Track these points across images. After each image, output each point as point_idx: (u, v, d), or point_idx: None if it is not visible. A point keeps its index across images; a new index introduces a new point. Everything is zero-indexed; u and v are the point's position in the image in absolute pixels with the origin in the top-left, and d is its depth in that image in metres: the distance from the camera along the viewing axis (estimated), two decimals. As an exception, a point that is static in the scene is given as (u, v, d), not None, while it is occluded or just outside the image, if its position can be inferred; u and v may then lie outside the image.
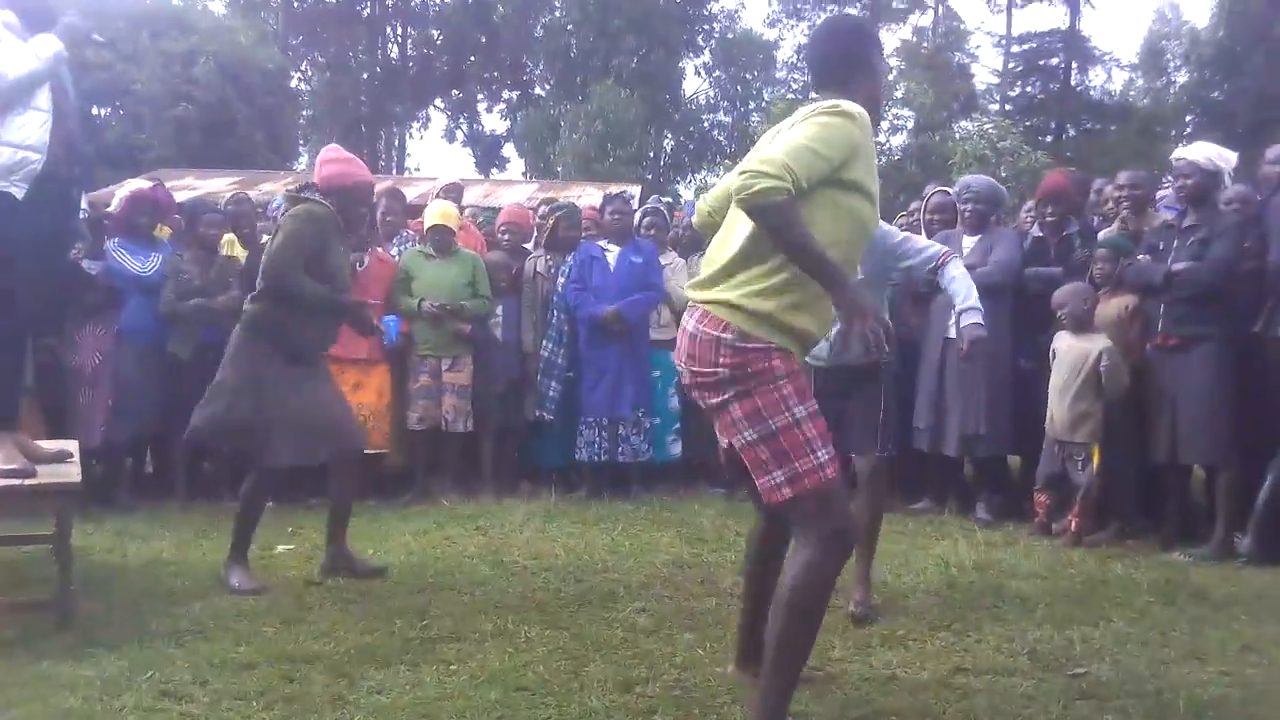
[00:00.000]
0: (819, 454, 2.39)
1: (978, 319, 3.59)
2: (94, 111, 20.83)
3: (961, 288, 3.58)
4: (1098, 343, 4.86)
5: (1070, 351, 4.94)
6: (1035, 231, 5.65)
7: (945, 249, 3.64)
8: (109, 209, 6.11)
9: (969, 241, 5.55)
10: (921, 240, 3.74)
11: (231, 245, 6.15)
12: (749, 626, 2.90)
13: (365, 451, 5.75)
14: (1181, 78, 27.74)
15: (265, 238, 6.17)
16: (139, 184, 6.27)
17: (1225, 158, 4.85)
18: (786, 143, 2.36)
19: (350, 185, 4.06)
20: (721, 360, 2.42)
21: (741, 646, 2.93)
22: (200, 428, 3.96)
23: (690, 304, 2.56)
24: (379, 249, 6.04)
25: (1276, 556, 4.39)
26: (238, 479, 5.84)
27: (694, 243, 6.44)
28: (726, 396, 2.43)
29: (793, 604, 2.35)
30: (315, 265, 3.90)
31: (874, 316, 2.41)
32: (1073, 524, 4.82)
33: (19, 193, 3.35)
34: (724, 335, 2.42)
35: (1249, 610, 3.65)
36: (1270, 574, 4.23)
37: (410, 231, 6.56)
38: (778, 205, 2.29)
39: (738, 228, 2.49)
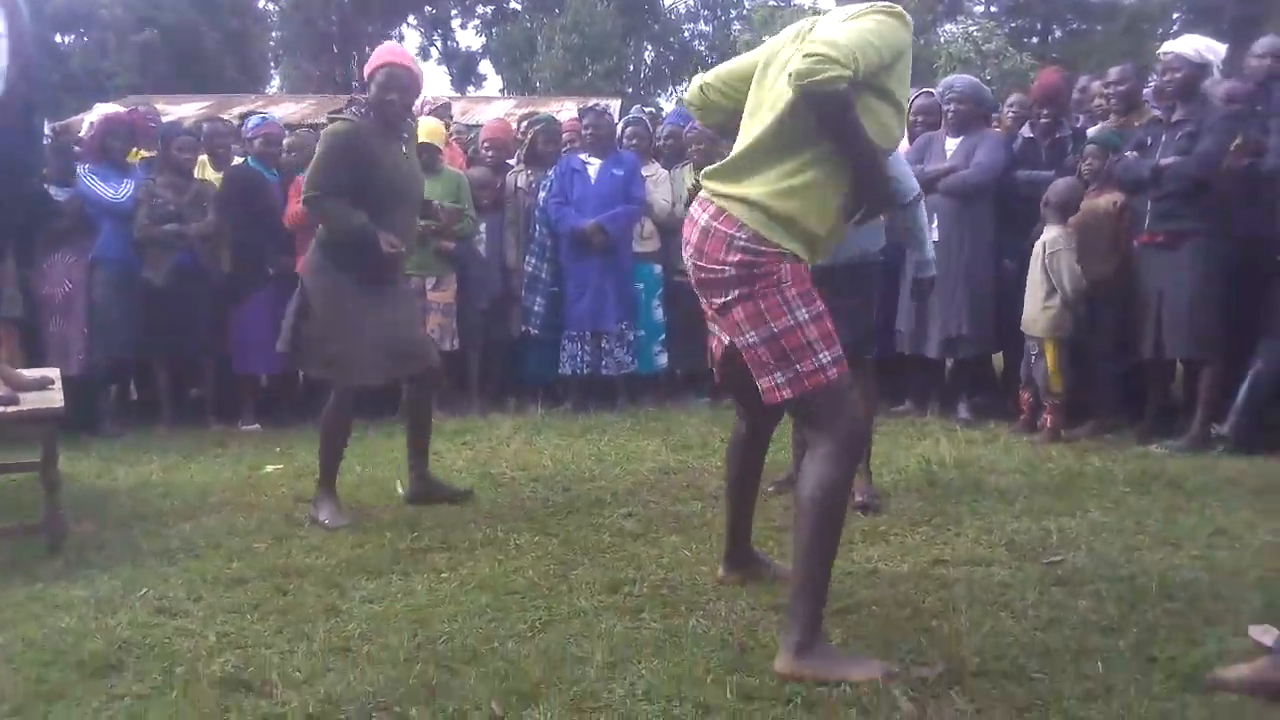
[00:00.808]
0: (821, 355, 2.38)
1: (931, 272, 4.08)
2: (57, 39, 20.28)
3: (920, 239, 3.97)
4: (1049, 235, 4.87)
5: (1036, 245, 4.96)
6: (1026, 132, 5.59)
7: (918, 191, 3.88)
8: (80, 135, 6.00)
9: (952, 143, 5.51)
10: (905, 164, 3.87)
11: (204, 168, 6.04)
12: (734, 530, 2.95)
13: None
14: (1168, -27, 27.18)
15: (237, 160, 6.10)
16: (110, 108, 6.14)
17: (1214, 50, 4.78)
18: (850, 32, 2.26)
19: (372, 73, 3.73)
20: (731, 257, 2.39)
21: (728, 550, 2.97)
22: (288, 351, 3.83)
23: (703, 196, 2.51)
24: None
25: (1255, 445, 4.47)
26: (224, 403, 5.90)
27: (677, 153, 6.37)
28: (730, 297, 2.41)
29: (815, 505, 2.35)
30: (366, 178, 3.65)
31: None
32: (1048, 420, 4.89)
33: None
34: (738, 235, 2.39)
35: (1221, 497, 3.73)
36: (1244, 462, 4.31)
37: None
38: (840, 93, 2.23)
39: (763, 115, 2.43)
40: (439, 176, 5.87)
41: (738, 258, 2.39)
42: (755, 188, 2.39)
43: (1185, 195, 4.64)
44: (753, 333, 2.40)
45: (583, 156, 6.08)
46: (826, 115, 2.29)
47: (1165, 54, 4.85)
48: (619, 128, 6.41)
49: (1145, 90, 5.64)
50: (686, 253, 2.54)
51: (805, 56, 2.22)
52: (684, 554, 3.23)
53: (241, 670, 2.39)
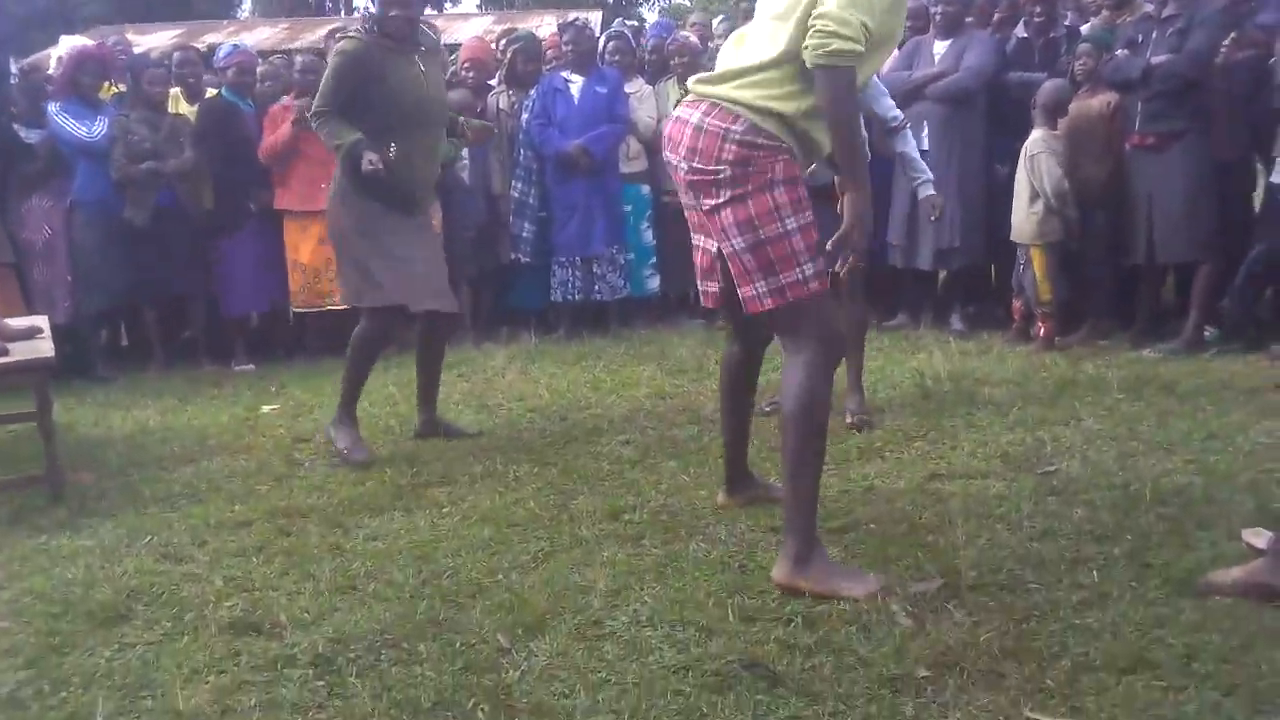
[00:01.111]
0: (805, 267, 2.38)
1: (931, 190, 3.94)
2: (17, -31, 19.61)
3: (912, 163, 3.88)
4: (1031, 137, 4.81)
5: (1024, 151, 4.90)
6: (1020, 32, 5.46)
7: (901, 117, 3.81)
8: (49, 72, 5.85)
9: (940, 46, 5.39)
10: (882, 89, 3.79)
11: (177, 101, 5.91)
12: (732, 453, 2.96)
13: (339, 307, 5.76)
14: None
15: (210, 91, 5.96)
16: (78, 41, 5.97)
17: None
18: None
19: None
20: (726, 154, 2.36)
21: (728, 474, 2.98)
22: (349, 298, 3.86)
23: (693, 98, 2.47)
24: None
25: (1245, 333, 4.52)
26: (216, 344, 5.88)
27: (661, 68, 6.24)
28: (720, 200, 2.39)
29: (796, 416, 2.37)
30: (374, 96, 3.55)
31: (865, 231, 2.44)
32: (1041, 329, 4.89)
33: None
34: (733, 128, 2.36)
35: (1215, 400, 3.75)
36: (1237, 364, 4.33)
37: None
38: (848, 70, 2.27)
39: (764, 39, 2.40)
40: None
41: (733, 152, 2.36)
42: (750, 91, 2.37)
43: (1176, 95, 4.56)
44: (740, 239, 2.39)
45: (564, 75, 5.96)
46: (831, 89, 2.29)
47: (1153, -56, 4.72)
48: (600, 43, 6.26)
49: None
50: (676, 155, 2.47)
51: (815, 33, 2.24)
52: (682, 479, 3.25)
53: (250, 613, 2.43)
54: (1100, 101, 4.87)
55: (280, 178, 5.65)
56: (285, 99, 5.68)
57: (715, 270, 2.60)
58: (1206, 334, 4.67)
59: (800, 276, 2.38)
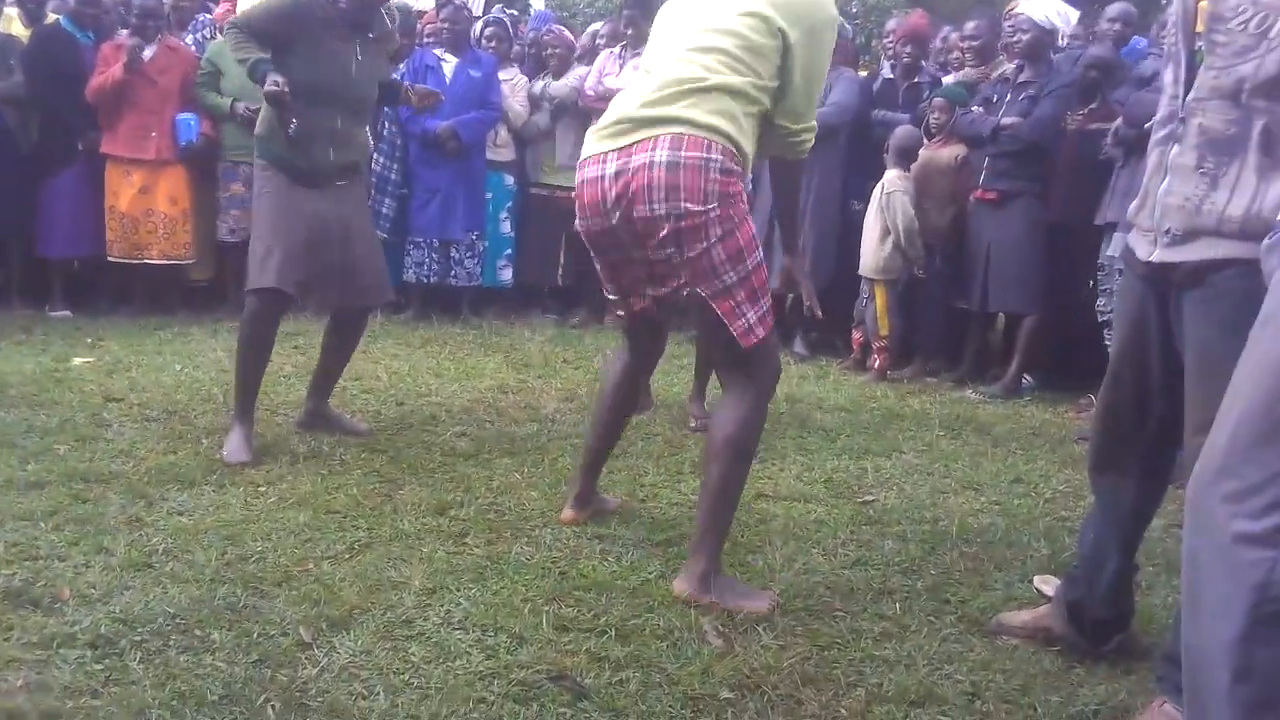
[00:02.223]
0: (766, 299, 2.40)
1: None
2: None
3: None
4: (887, 176, 5.02)
5: (879, 189, 5.10)
6: (886, 73, 5.66)
7: None
8: None
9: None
10: None
11: (10, 22, 5.45)
12: (593, 468, 2.87)
13: (168, 263, 5.45)
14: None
15: (53, 16, 5.53)
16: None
17: (1065, 16, 4.93)
18: (813, 82, 2.43)
19: None
20: (711, 186, 2.25)
21: (583, 489, 2.85)
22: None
23: (637, 139, 2.31)
24: (170, 37, 5.50)
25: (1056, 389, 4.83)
26: (31, 285, 5.45)
27: (538, 61, 6.18)
28: (711, 240, 2.28)
29: (737, 446, 2.38)
30: (290, 52, 3.26)
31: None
32: (875, 362, 5.09)
33: None
34: (712, 156, 2.26)
35: (1024, 445, 3.99)
36: (1048, 412, 4.61)
37: (206, 18, 5.99)
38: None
39: (686, 65, 2.35)
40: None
41: (718, 183, 2.27)
42: (706, 109, 2.29)
43: (1019, 156, 4.83)
44: (731, 273, 2.32)
45: (437, 53, 5.82)
46: (796, 177, 2.65)
47: (1016, 13, 4.98)
48: (478, 27, 6.14)
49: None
50: (648, 204, 2.29)
51: (805, 139, 2.47)
52: (514, 477, 3.22)
53: (30, 584, 2.26)
54: (949, 153, 5.11)
55: (107, 120, 5.29)
56: (119, 35, 5.33)
57: (649, 315, 2.59)
58: (1024, 382, 4.96)
59: (768, 305, 2.41)
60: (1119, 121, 4.30)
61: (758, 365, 2.41)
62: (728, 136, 2.30)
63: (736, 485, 2.44)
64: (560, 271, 6.14)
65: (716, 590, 2.37)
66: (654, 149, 2.28)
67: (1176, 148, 1.81)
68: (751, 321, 2.36)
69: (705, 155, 2.27)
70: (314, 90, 3.29)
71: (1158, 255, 1.85)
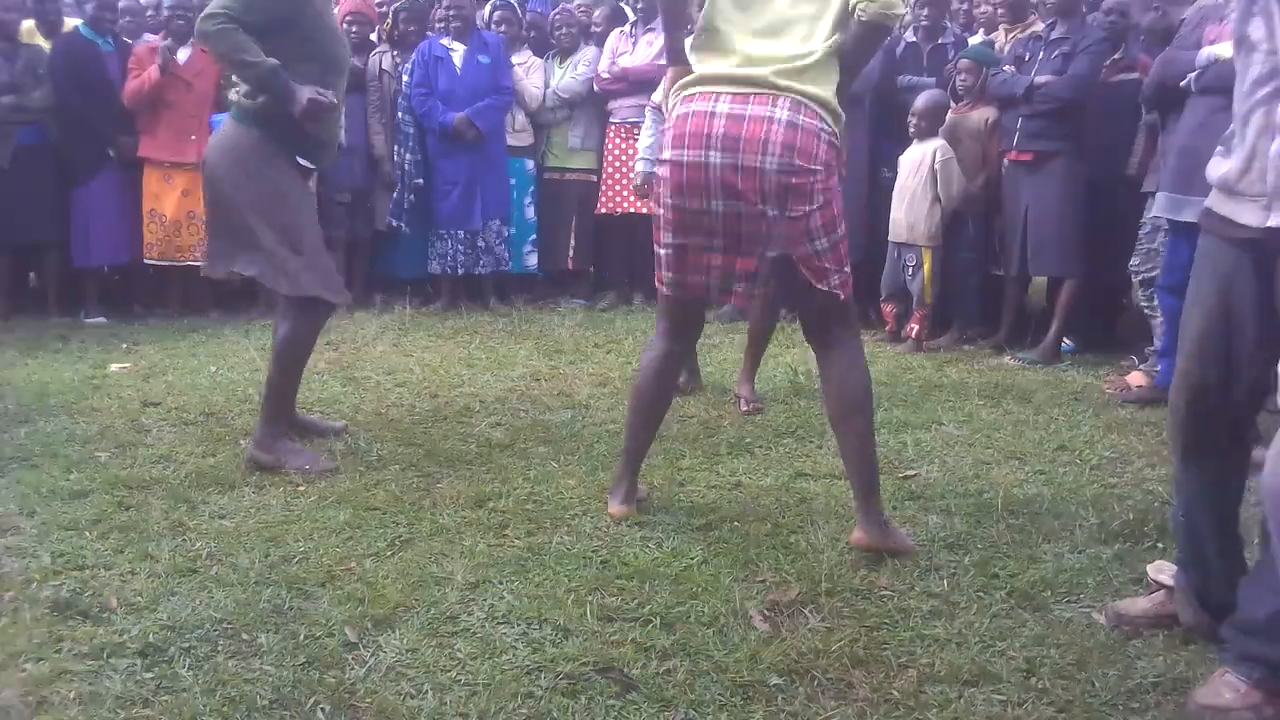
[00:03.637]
0: (848, 265, 2.54)
1: None
2: None
3: None
4: (933, 145, 4.92)
5: (910, 155, 5.00)
6: (909, 37, 5.55)
7: None
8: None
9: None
10: None
11: (32, 35, 5.49)
12: (638, 460, 2.81)
13: (198, 263, 5.47)
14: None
15: (70, 23, 5.56)
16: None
17: None
18: None
19: None
20: (821, 152, 2.37)
21: (629, 483, 2.78)
22: (217, 257, 3.16)
23: (771, 91, 2.37)
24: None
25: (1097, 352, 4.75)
26: (67, 294, 5.50)
27: (541, 41, 6.13)
28: (815, 205, 2.39)
29: (868, 396, 2.54)
30: (313, 28, 3.01)
31: None
32: (913, 331, 5.02)
33: None
34: (824, 126, 2.39)
35: (1067, 411, 3.91)
36: (1090, 376, 4.53)
37: None
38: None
39: (797, 26, 2.43)
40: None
41: (825, 151, 2.39)
42: (820, 86, 2.40)
43: (1053, 115, 4.71)
44: (824, 239, 2.43)
45: (444, 42, 5.78)
46: (877, 44, 2.56)
47: (1048, -31, 4.86)
48: (486, 12, 6.10)
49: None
50: (760, 155, 2.34)
51: None
52: (551, 465, 3.20)
53: (78, 595, 2.27)
54: (979, 116, 5.00)
55: (146, 124, 5.33)
56: (152, 37, 5.35)
57: (751, 274, 2.53)
58: (1064, 346, 4.87)
59: (848, 273, 2.52)
60: (1148, 79, 4.18)
61: (854, 317, 2.59)
62: (835, 113, 2.42)
63: (873, 432, 2.59)
64: (570, 255, 6.08)
65: (889, 537, 2.52)
66: (774, 105, 2.37)
67: None
68: (835, 283, 2.48)
69: (820, 125, 2.38)
70: (338, 63, 3.11)
71: (1275, 219, 1.76)
